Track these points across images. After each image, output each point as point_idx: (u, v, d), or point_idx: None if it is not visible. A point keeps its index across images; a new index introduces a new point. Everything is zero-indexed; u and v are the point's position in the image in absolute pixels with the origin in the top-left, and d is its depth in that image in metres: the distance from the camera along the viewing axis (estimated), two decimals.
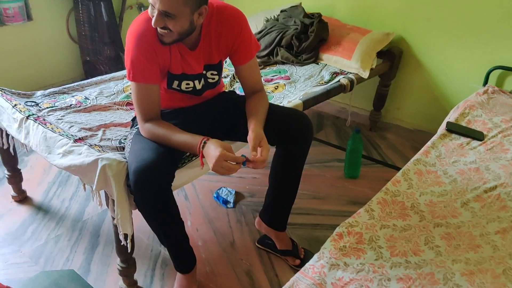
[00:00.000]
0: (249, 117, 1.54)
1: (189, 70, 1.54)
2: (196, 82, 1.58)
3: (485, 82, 2.31)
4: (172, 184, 1.43)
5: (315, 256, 1.22)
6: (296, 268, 1.77)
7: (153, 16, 1.35)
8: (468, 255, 1.22)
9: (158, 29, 1.39)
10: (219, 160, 1.33)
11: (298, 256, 1.81)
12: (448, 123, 1.91)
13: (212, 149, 1.35)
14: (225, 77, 2.30)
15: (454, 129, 1.87)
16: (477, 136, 1.83)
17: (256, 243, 1.91)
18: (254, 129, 1.47)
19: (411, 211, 1.41)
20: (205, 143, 1.38)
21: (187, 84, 1.57)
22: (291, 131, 1.59)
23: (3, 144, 1.93)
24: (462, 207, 1.44)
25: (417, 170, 1.61)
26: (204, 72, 1.58)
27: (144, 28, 1.42)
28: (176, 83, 1.55)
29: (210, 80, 1.62)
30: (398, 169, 1.87)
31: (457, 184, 1.55)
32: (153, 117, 1.49)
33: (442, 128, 1.91)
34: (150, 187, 1.35)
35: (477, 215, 1.40)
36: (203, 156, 1.39)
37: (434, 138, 1.84)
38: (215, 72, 1.61)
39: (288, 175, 1.72)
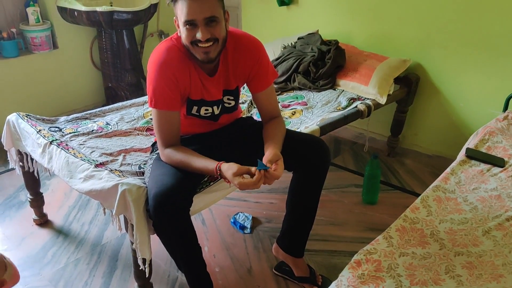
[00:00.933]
0: (266, 142, 1.56)
1: (208, 97, 1.57)
2: (215, 107, 1.61)
3: (505, 108, 2.29)
4: (190, 209, 1.44)
5: (333, 284, 1.20)
6: None
7: (194, 34, 1.39)
8: (491, 285, 1.19)
9: (202, 47, 1.41)
10: (236, 183, 1.36)
11: (316, 283, 1.79)
12: (467, 149, 1.89)
13: (227, 173, 1.38)
14: (242, 103, 2.34)
15: (474, 155, 1.85)
16: (498, 162, 1.80)
17: (274, 270, 1.89)
18: (270, 149, 1.48)
19: (431, 238, 1.39)
20: (220, 169, 1.41)
21: (206, 109, 1.60)
22: (308, 156, 1.60)
23: (27, 168, 1.98)
24: (484, 235, 1.41)
25: (436, 197, 1.60)
26: (222, 97, 1.62)
27: (166, 56, 1.46)
28: (195, 108, 1.59)
29: (226, 105, 1.65)
30: (417, 195, 1.85)
31: (478, 211, 1.53)
32: (173, 143, 1.52)
33: (461, 154, 1.89)
34: (169, 212, 1.37)
35: (499, 244, 1.37)
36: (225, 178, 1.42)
37: (453, 164, 1.82)
38: (232, 97, 1.64)
39: (306, 200, 1.71)
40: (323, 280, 1.81)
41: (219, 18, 1.41)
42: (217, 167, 1.41)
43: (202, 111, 1.60)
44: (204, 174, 1.49)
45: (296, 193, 1.71)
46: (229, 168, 1.39)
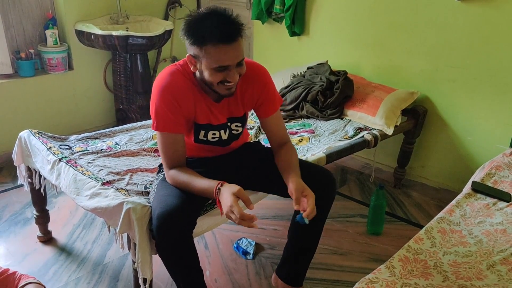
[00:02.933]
0: (284, 171, 1.55)
1: (215, 121, 1.59)
2: (222, 132, 1.63)
3: None
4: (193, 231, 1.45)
5: None
6: None
7: (225, 77, 1.40)
8: None
9: (228, 85, 1.43)
10: (228, 210, 1.34)
11: None
12: (473, 182, 1.89)
13: (225, 197, 1.37)
14: (250, 129, 2.36)
15: (480, 188, 1.84)
16: (504, 197, 1.79)
17: None
18: (294, 180, 1.46)
19: (434, 270, 1.37)
20: (219, 189, 1.41)
21: (213, 134, 1.62)
22: (315, 188, 1.60)
23: (35, 184, 2.01)
24: (488, 269, 1.39)
25: (441, 228, 1.58)
26: (229, 124, 1.63)
27: (169, 80, 1.49)
28: (202, 133, 1.60)
29: (234, 132, 1.66)
30: (422, 227, 1.84)
31: (482, 245, 1.51)
32: (178, 165, 1.54)
33: (467, 187, 1.88)
34: (172, 232, 1.38)
35: (504, 278, 1.35)
36: (219, 202, 1.41)
37: (459, 197, 1.81)
38: (240, 124, 1.66)
39: (309, 230, 1.70)
40: None
41: (243, 59, 1.44)
42: (218, 185, 1.41)
43: (210, 136, 1.61)
44: (205, 196, 1.48)
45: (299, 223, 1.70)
46: (229, 187, 1.38)
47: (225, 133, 1.64)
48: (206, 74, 1.42)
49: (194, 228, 1.45)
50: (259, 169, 1.68)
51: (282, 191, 1.61)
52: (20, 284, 1.44)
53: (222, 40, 1.33)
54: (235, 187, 1.38)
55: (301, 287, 1.79)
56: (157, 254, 1.48)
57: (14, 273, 1.49)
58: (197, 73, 1.48)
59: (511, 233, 1.57)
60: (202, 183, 1.45)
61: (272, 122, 1.67)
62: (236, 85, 1.48)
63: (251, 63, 1.60)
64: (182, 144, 1.55)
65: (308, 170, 1.63)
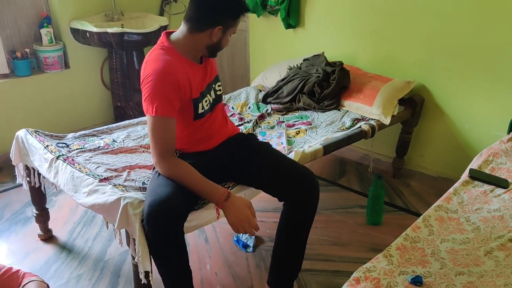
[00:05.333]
0: None
1: (204, 83, 1.65)
2: (211, 94, 1.69)
3: (510, 130, 2.28)
4: (184, 224, 1.44)
5: None
6: None
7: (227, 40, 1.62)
8: None
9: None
10: (242, 222, 1.47)
11: None
12: (471, 169, 1.89)
13: (238, 206, 1.46)
14: (248, 122, 2.36)
15: (477, 176, 1.85)
16: (502, 183, 1.80)
17: None
18: None
19: (432, 258, 1.38)
20: (228, 197, 1.46)
21: (206, 101, 1.66)
22: (297, 195, 1.62)
23: (34, 183, 2.01)
24: (486, 255, 1.40)
25: (438, 216, 1.59)
26: (214, 85, 1.71)
27: (165, 64, 1.51)
28: (200, 106, 1.63)
29: (218, 92, 1.74)
30: None
31: (480, 232, 1.52)
32: (171, 153, 1.54)
33: (465, 175, 1.88)
34: (162, 222, 1.37)
35: (501, 264, 1.36)
36: (221, 208, 1.47)
37: (456, 184, 1.81)
38: (220, 83, 1.77)
39: (292, 239, 1.70)
40: None
41: None
42: (226, 193, 1.47)
43: (204, 105, 1.65)
44: (202, 196, 1.51)
45: (283, 229, 1.70)
46: (241, 199, 1.48)
47: (212, 94, 1.70)
48: (224, 41, 1.61)
49: (185, 220, 1.44)
50: (251, 166, 1.68)
51: (269, 190, 1.67)
52: (24, 282, 1.45)
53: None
54: (247, 200, 1.48)
55: None
56: None
57: (18, 271, 1.50)
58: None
59: (508, 219, 1.57)
60: (204, 184, 1.48)
61: None
62: None
63: None
64: (174, 128, 1.56)
65: (291, 173, 1.65)
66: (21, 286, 1.42)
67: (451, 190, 1.77)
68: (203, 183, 1.48)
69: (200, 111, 1.64)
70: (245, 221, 1.47)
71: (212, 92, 1.71)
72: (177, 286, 1.56)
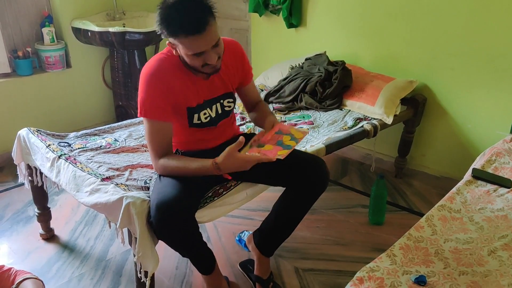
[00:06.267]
0: (260, 120, 1.72)
1: (207, 96, 1.62)
2: (214, 108, 1.65)
3: None
4: (197, 219, 1.48)
5: None
6: None
7: (205, 61, 1.45)
8: None
9: (212, 66, 1.48)
10: (245, 164, 1.44)
11: (267, 287, 1.83)
12: (474, 169, 1.88)
13: (231, 161, 1.44)
14: (249, 122, 2.36)
15: (480, 175, 1.84)
16: (505, 183, 1.79)
17: (238, 265, 1.98)
18: (268, 119, 1.64)
19: (435, 257, 1.37)
20: (216, 164, 1.46)
21: (205, 114, 1.64)
22: (308, 173, 1.61)
23: (36, 182, 2.01)
24: (489, 255, 1.39)
25: (442, 216, 1.58)
26: (222, 100, 1.67)
27: (157, 67, 1.51)
28: (196, 116, 1.62)
29: (226, 108, 1.71)
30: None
31: (483, 231, 1.51)
32: (165, 153, 1.55)
33: (468, 175, 1.88)
34: (171, 222, 1.39)
35: (505, 263, 1.35)
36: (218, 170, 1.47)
37: (459, 184, 1.80)
38: (231, 100, 1.71)
39: (293, 212, 1.74)
40: (273, 286, 1.85)
41: (219, 36, 1.47)
42: (214, 161, 1.45)
43: (202, 117, 1.63)
44: (201, 175, 1.51)
45: (286, 202, 1.72)
46: (224, 154, 1.44)
47: (217, 110, 1.67)
48: (187, 60, 1.48)
49: (195, 212, 1.48)
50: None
51: (280, 181, 1.66)
52: (17, 280, 1.44)
53: (191, 32, 1.38)
54: (228, 150, 1.45)
55: (268, 257, 1.86)
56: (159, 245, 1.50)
57: (10, 269, 1.48)
58: (190, 63, 1.51)
59: None
60: (195, 163, 1.49)
61: (251, 88, 1.82)
62: (220, 61, 1.52)
63: (226, 40, 1.65)
64: (169, 132, 1.57)
65: (303, 158, 1.67)
66: (15, 284, 1.41)
67: (454, 189, 1.76)
68: (196, 165, 1.49)
69: (196, 121, 1.63)
70: (240, 167, 1.45)
71: (218, 107, 1.67)
72: (194, 255, 1.64)
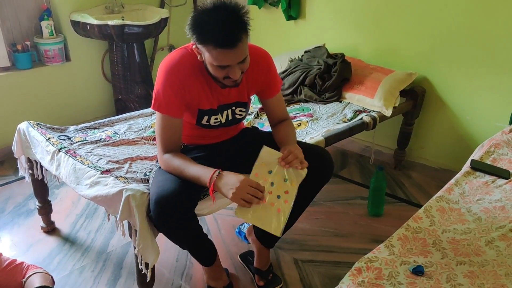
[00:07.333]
0: (281, 143, 1.60)
1: (220, 102, 1.60)
2: (225, 114, 1.64)
3: (511, 120, 2.28)
4: (196, 213, 1.48)
5: None
6: None
7: (227, 74, 1.41)
8: None
9: (233, 80, 1.43)
10: (243, 185, 1.37)
11: (266, 278, 1.84)
12: (472, 160, 1.89)
13: (232, 177, 1.39)
14: (249, 114, 2.36)
15: (478, 167, 1.85)
16: (503, 174, 1.80)
17: (238, 256, 1.99)
18: (287, 146, 1.53)
19: (433, 248, 1.38)
20: (219, 173, 1.42)
21: (216, 118, 1.63)
22: (313, 162, 1.60)
23: (36, 175, 2.02)
24: (487, 245, 1.40)
25: (440, 207, 1.59)
26: (234, 108, 1.65)
27: (178, 63, 1.49)
28: (205, 118, 1.61)
29: (237, 116, 1.69)
30: None
31: (481, 222, 1.52)
32: (173, 150, 1.55)
33: (466, 166, 1.89)
34: (171, 217, 1.39)
35: (502, 254, 1.36)
36: (214, 190, 1.42)
37: (457, 175, 1.81)
38: (244, 109, 1.69)
39: (297, 204, 1.71)
40: (272, 277, 1.86)
41: (247, 56, 1.43)
42: (217, 170, 1.42)
43: (212, 120, 1.63)
44: (197, 183, 1.47)
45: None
46: (237, 175, 1.40)
47: (228, 116, 1.65)
48: (209, 68, 1.44)
49: (195, 207, 1.48)
50: (257, 155, 1.68)
51: None
52: (28, 274, 1.47)
53: (221, 45, 1.34)
54: (239, 175, 1.41)
55: (269, 249, 1.86)
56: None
57: (22, 263, 1.51)
58: (211, 72, 1.48)
59: (510, 210, 1.58)
60: (195, 169, 1.46)
61: (274, 102, 1.72)
62: (242, 76, 1.48)
63: (254, 48, 1.61)
64: (179, 129, 1.56)
65: (308, 148, 1.65)
66: (25, 278, 1.44)
67: (452, 181, 1.77)
68: (194, 171, 1.46)
69: (204, 122, 1.62)
70: (240, 190, 1.37)
71: (229, 114, 1.65)
72: (195, 248, 1.65)
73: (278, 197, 1.45)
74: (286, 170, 1.47)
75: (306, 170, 1.48)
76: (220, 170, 1.43)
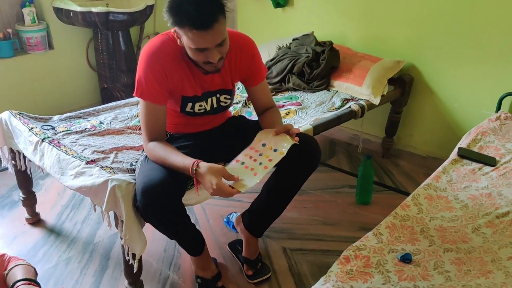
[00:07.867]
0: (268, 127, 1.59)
1: (204, 89, 1.58)
2: (209, 101, 1.62)
3: (498, 108, 2.30)
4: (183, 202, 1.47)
5: (321, 279, 1.20)
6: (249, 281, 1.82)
7: (207, 58, 1.40)
8: (479, 281, 1.19)
9: (212, 64, 1.42)
10: (218, 188, 1.36)
11: (255, 267, 1.83)
12: (459, 148, 1.90)
13: (207, 173, 1.37)
14: (236, 103, 2.34)
15: (465, 154, 1.86)
16: (489, 161, 1.81)
17: (227, 245, 1.98)
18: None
19: (421, 235, 1.39)
20: (196, 169, 1.39)
21: (200, 106, 1.61)
22: (299, 149, 1.60)
23: (19, 166, 1.98)
24: (473, 232, 1.41)
25: (427, 195, 1.60)
26: (218, 95, 1.62)
27: (159, 49, 1.47)
28: (189, 105, 1.59)
29: (222, 104, 1.66)
30: None
31: (468, 209, 1.53)
32: (157, 137, 1.53)
33: (453, 154, 1.89)
34: (157, 207, 1.38)
35: (489, 240, 1.37)
36: (198, 182, 1.41)
37: (445, 163, 1.82)
38: (229, 97, 1.66)
39: (285, 192, 1.73)
40: (261, 266, 1.85)
41: (225, 38, 1.41)
42: (195, 162, 1.40)
43: (196, 108, 1.61)
44: (179, 171, 1.45)
45: (278, 181, 1.70)
46: (209, 166, 1.38)
47: (212, 103, 1.63)
48: (189, 52, 1.43)
49: (182, 196, 1.47)
50: (244, 143, 1.67)
51: None
52: (10, 266, 1.43)
53: (198, 27, 1.33)
54: (216, 167, 1.38)
55: (257, 238, 1.86)
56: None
57: (3, 255, 1.48)
58: (190, 56, 1.46)
59: (496, 197, 1.59)
60: (177, 160, 1.44)
61: (259, 90, 1.71)
62: (223, 61, 1.47)
63: (238, 35, 1.60)
64: (163, 116, 1.54)
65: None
66: (7, 270, 1.40)
67: (440, 168, 1.78)
68: (178, 163, 1.44)
69: (188, 110, 1.60)
70: (214, 189, 1.36)
71: (214, 101, 1.63)
72: (182, 237, 1.65)
73: (260, 163, 1.47)
74: (275, 140, 1.50)
75: (296, 138, 1.48)
76: (198, 161, 1.40)
